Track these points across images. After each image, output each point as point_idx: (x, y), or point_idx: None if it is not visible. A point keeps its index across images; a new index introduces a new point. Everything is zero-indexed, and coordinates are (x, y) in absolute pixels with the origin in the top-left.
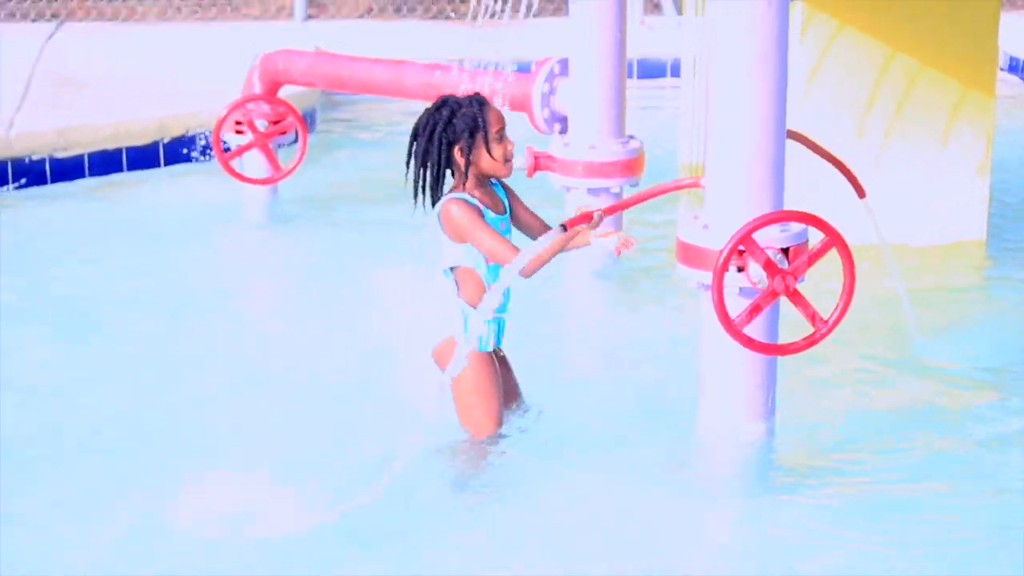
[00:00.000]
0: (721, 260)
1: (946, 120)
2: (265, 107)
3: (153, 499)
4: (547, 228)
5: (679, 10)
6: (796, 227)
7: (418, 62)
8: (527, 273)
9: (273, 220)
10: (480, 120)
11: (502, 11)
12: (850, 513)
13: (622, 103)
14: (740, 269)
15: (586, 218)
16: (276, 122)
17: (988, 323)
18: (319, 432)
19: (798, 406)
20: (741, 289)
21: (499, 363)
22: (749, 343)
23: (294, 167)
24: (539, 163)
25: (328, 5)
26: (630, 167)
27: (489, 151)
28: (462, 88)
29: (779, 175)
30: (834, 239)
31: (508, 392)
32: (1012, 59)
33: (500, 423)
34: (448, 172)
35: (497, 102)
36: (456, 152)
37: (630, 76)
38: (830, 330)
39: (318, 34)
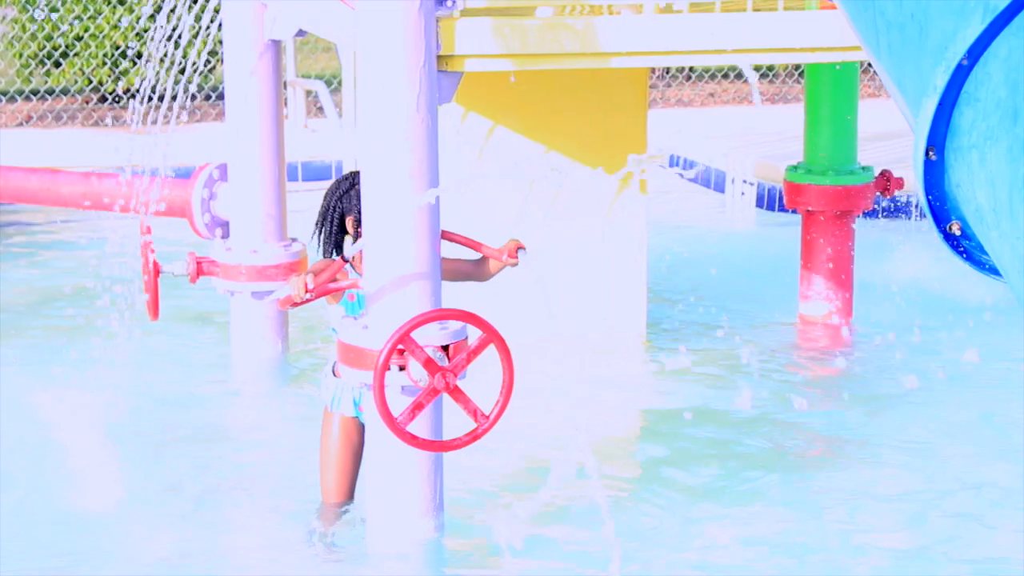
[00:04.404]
0: (381, 360)
1: (602, 215)
2: None
3: None
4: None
5: (340, 113)
6: (455, 325)
7: (75, 171)
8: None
9: None
10: None
11: (158, 118)
12: None
13: (283, 206)
14: (402, 368)
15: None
16: None
17: (646, 415)
18: None
19: (467, 501)
20: (403, 387)
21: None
22: (413, 440)
23: None
24: (202, 268)
25: None
26: (293, 270)
27: None
28: (122, 195)
29: (436, 274)
30: (491, 335)
31: None
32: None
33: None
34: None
35: (156, 208)
36: (349, 223)
37: (296, 179)
38: (492, 425)
39: None
